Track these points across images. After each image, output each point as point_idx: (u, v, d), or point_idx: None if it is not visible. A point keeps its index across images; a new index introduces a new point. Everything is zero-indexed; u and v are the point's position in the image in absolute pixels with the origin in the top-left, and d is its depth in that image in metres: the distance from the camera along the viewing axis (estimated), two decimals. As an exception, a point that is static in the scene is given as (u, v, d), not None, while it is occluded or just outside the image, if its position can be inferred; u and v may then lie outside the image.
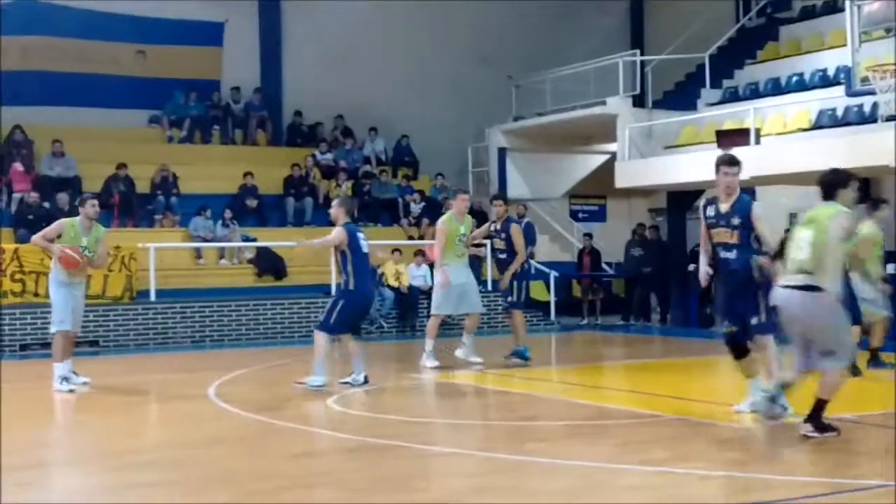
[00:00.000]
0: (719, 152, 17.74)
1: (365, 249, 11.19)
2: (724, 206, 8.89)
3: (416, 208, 21.95)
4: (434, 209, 21.86)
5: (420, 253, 19.64)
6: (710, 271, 9.11)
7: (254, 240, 19.56)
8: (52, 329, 11.64)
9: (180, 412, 10.36)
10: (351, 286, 11.11)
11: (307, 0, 23.32)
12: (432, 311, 13.31)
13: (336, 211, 11.38)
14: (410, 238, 21.15)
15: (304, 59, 23.42)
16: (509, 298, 13.54)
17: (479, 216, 20.09)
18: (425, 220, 21.56)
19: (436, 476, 7.33)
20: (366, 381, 11.20)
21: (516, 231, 13.34)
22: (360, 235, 11.24)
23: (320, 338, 11.11)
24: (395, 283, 18.96)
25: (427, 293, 19.07)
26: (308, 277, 18.90)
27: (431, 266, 19.32)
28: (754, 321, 8.87)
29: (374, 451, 8.07)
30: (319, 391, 10.78)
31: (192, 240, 19.23)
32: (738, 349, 9.05)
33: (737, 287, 8.90)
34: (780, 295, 8.12)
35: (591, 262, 21.91)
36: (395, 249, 19.40)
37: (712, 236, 8.96)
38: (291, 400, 10.79)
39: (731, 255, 8.85)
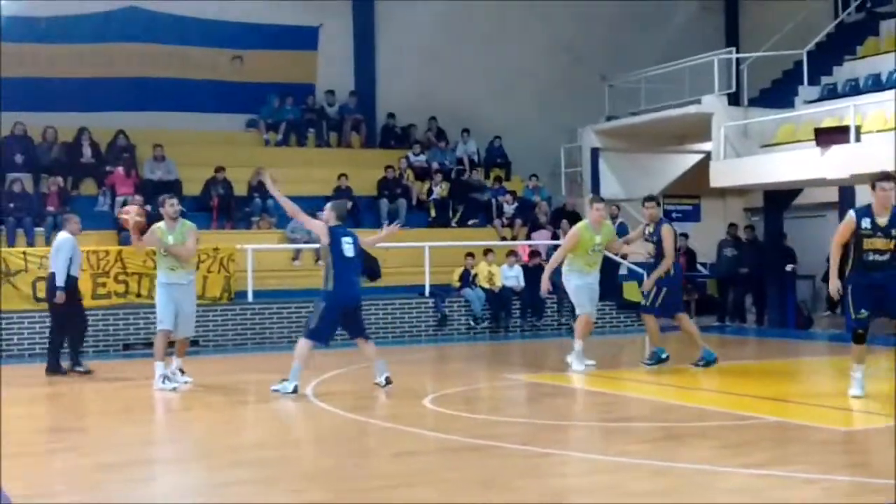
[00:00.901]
0: (818, 150, 17.57)
1: (348, 254, 11.14)
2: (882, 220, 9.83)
3: (508, 209, 21.95)
4: (526, 210, 21.85)
5: (512, 253, 19.66)
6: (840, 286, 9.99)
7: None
8: (157, 328, 12.03)
9: (279, 411, 10.52)
10: (330, 287, 11.10)
11: (400, 1, 23.51)
12: (577, 311, 13.21)
13: (328, 214, 11.48)
14: (503, 239, 21.17)
15: (397, 62, 23.64)
16: (643, 302, 13.20)
17: (572, 216, 20.06)
18: (518, 221, 21.55)
19: (534, 476, 7.34)
20: (388, 383, 11.21)
21: (667, 233, 12.86)
22: (345, 240, 11.20)
23: (303, 344, 11.14)
24: (487, 284, 19.01)
25: (519, 294, 19.13)
26: (403, 278, 19.06)
27: (524, 267, 19.38)
28: None
29: (472, 451, 8.11)
30: (288, 396, 10.84)
31: (288, 241, 19.50)
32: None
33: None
34: None
35: (686, 262, 21.68)
36: (488, 250, 19.46)
37: (865, 244, 9.82)
38: (388, 400, 10.89)
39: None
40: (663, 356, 13.04)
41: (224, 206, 19.97)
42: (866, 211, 9.96)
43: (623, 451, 8.02)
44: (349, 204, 14.92)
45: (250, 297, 17.53)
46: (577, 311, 13.20)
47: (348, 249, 11.18)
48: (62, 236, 13.66)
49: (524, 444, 8.30)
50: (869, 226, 9.88)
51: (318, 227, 11.36)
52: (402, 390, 11.27)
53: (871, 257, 9.91)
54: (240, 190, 20.51)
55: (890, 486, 6.74)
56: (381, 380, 11.29)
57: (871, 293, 10.01)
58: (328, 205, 11.85)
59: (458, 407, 10.48)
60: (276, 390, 11.03)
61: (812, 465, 7.41)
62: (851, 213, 10.12)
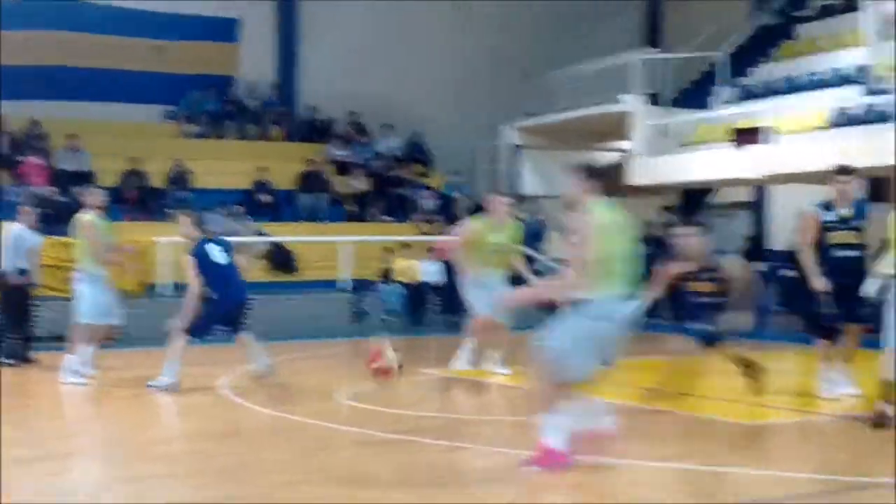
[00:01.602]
0: (734, 150, 17.84)
1: (217, 259, 11.13)
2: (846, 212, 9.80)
3: (429, 205, 21.95)
4: (447, 206, 21.87)
5: (432, 249, 19.67)
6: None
7: (267, 235, 19.58)
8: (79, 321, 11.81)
9: (194, 406, 10.39)
10: (214, 295, 11.10)
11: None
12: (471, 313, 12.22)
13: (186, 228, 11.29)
14: (423, 234, 21.16)
15: (320, 56, 23.49)
16: None
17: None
18: (438, 217, 21.56)
19: (449, 471, 7.33)
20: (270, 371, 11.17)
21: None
22: (209, 247, 11.14)
23: (178, 339, 11.02)
24: (405, 279, 18.98)
25: (437, 289, 19.13)
26: (319, 273, 18.94)
27: (442, 262, 19.39)
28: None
29: (386, 446, 8.08)
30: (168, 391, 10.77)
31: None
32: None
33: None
34: None
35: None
36: (406, 245, 19.46)
37: (830, 239, 9.73)
38: (303, 395, 10.81)
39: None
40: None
41: (140, 198, 19.67)
42: (827, 204, 9.91)
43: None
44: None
45: (165, 290, 17.28)
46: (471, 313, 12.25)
47: (218, 257, 11.15)
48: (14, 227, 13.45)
49: (439, 439, 8.30)
50: (834, 218, 9.83)
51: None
52: (317, 386, 11.20)
53: (837, 253, 9.81)
54: (157, 182, 20.22)
55: (793, 478, 6.86)
56: (262, 368, 11.21)
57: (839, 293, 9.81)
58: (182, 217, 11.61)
59: (374, 402, 10.43)
60: (152, 385, 10.87)
61: (717, 458, 7.50)
62: (813, 208, 10.04)
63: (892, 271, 8.68)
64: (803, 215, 10.16)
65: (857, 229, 9.84)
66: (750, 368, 9.99)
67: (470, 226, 12.13)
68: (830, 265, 9.74)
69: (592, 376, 7.04)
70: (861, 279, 9.50)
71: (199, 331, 11.09)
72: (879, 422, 8.46)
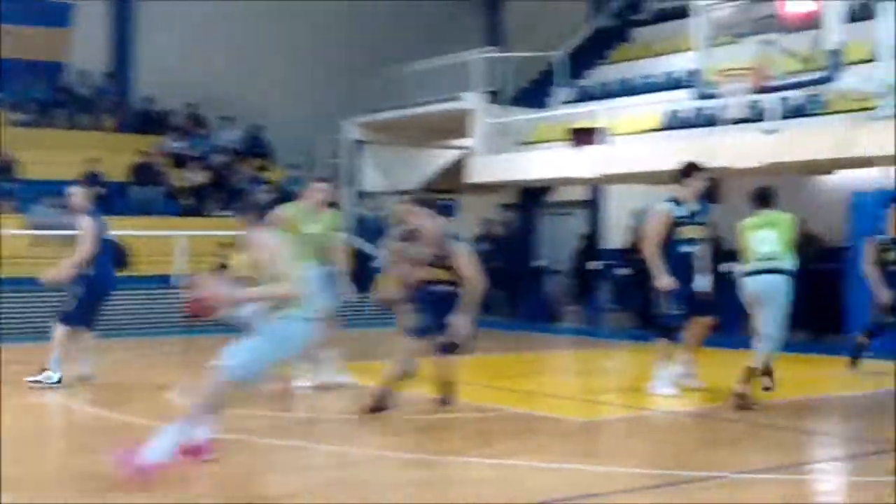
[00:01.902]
0: (571, 150, 18.14)
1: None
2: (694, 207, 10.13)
3: (268, 199, 21.60)
4: (287, 200, 21.55)
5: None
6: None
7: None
8: None
9: (17, 406, 9.92)
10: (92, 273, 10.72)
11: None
12: None
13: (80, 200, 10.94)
14: (262, 229, 20.82)
15: (157, 45, 22.82)
16: None
17: (332, 207, 19.91)
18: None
19: (282, 471, 7.18)
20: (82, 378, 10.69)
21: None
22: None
23: (60, 330, 10.65)
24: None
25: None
26: (151, 268, 18.39)
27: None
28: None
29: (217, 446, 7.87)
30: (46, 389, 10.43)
31: (30, 227, 18.51)
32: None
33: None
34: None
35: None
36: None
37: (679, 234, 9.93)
38: (134, 394, 10.47)
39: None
40: None
41: (-40, 189, 18.80)
42: (676, 200, 10.22)
43: (371, 444, 7.98)
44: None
45: (-8, 285, 16.55)
46: None
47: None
48: None
49: (273, 438, 8.14)
50: (686, 213, 10.15)
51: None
52: (149, 384, 10.87)
53: (684, 248, 10.08)
54: (-20, 171, 19.36)
55: (624, 473, 6.97)
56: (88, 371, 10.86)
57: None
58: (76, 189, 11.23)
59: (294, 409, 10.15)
60: (35, 381, 10.39)
61: (550, 455, 7.58)
62: (666, 205, 10.26)
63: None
64: (656, 212, 10.32)
65: (702, 224, 10.21)
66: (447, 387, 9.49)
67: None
68: (677, 260, 9.99)
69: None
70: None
71: (78, 318, 10.62)
72: (742, 404, 9.03)
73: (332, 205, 11.53)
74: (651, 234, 10.17)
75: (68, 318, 10.67)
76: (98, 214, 11.05)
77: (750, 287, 9.53)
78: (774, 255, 9.48)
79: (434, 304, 8.94)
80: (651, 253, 10.02)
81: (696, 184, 10.29)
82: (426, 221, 9.29)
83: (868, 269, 11.59)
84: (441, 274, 9.04)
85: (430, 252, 9.16)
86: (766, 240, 9.55)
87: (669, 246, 9.99)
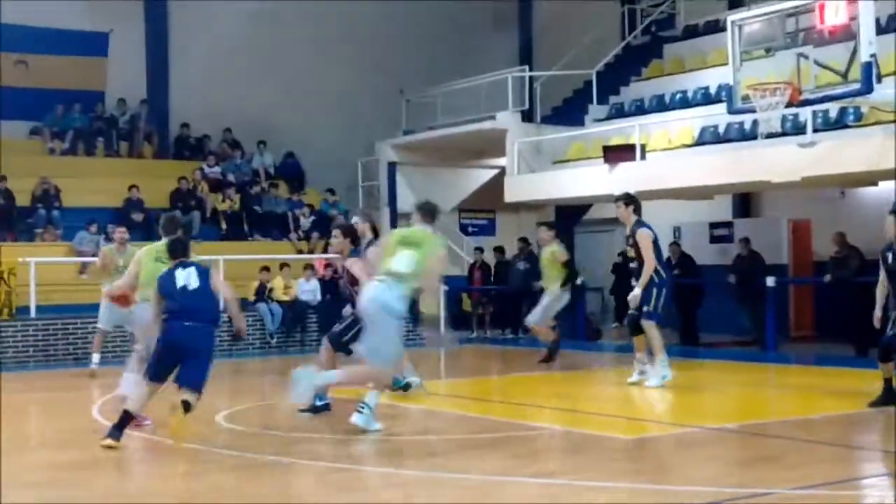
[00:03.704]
0: (606, 167, 18.17)
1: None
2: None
3: (305, 223, 21.80)
4: (323, 223, 21.74)
5: (309, 267, 19.50)
6: None
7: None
8: None
9: (63, 431, 10.06)
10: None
11: (195, 10, 23.00)
12: None
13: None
14: (300, 252, 20.99)
15: (192, 71, 23.11)
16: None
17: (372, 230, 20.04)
18: (314, 235, 21.42)
19: (328, 492, 7.25)
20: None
21: (643, 237, 11.94)
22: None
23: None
24: (283, 297, 18.78)
25: (315, 308, 18.97)
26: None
27: (321, 280, 19.25)
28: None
29: (265, 468, 7.96)
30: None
31: (75, 254, 18.75)
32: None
33: None
34: None
35: (482, 275, 22.02)
36: (284, 264, 19.22)
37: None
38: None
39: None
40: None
41: (5, 217, 19.07)
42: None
43: (416, 465, 8.04)
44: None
45: (33, 313, 16.75)
46: None
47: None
48: None
49: (317, 460, 8.21)
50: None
51: None
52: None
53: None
54: (22, 200, 19.63)
55: (670, 490, 6.98)
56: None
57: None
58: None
59: (252, 423, 10.28)
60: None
61: (598, 474, 7.60)
62: (649, 230, 12.12)
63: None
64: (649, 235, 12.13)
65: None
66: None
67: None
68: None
69: None
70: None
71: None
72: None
73: None
74: (652, 254, 12.13)
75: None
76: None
77: None
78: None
79: None
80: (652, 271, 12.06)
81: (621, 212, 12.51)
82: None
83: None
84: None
85: None
86: None
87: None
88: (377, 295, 9.00)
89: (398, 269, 9.06)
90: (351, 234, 10.72)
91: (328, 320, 18.77)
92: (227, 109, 23.26)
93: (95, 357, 14.54)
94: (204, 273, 9.21)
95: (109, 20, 22.42)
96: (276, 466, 7.98)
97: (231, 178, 22.40)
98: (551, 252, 15.21)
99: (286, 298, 18.76)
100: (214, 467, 8.23)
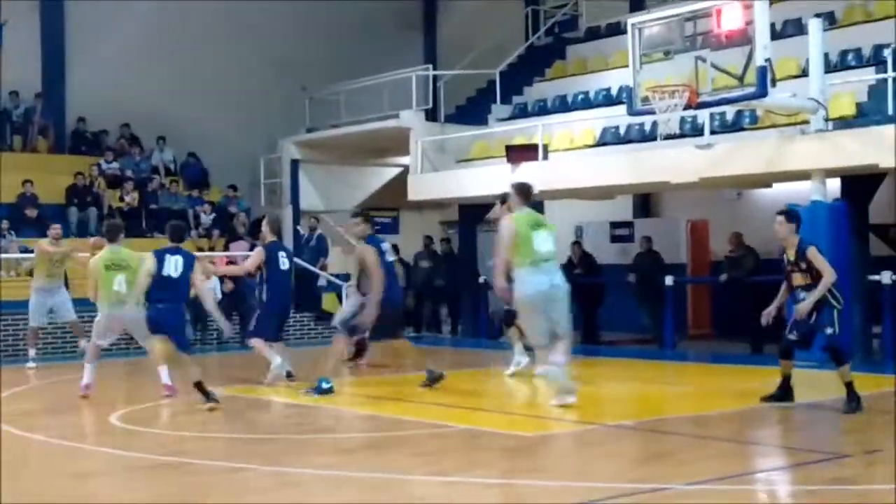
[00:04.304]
0: (509, 166, 18.25)
1: (284, 267, 12.61)
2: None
3: (206, 220, 21.49)
4: (224, 221, 21.48)
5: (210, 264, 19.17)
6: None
7: (32, 251, 18.66)
8: None
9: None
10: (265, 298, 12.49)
11: (93, 2, 22.47)
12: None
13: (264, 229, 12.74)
14: (200, 250, 20.65)
15: (89, 65, 22.53)
16: None
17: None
18: (216, 232, 21.13)
19: (223, 493, 7.14)
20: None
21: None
22: (282, 253, 12.65)
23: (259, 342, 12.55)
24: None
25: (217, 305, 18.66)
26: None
27: (221, 278, 18.98)
28: None
29: (158, 469, 7.81)
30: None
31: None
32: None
33: None
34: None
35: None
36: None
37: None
38: (72, 417, 10.34)
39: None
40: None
41: None
42: None
43: (315, 464, 7.96)
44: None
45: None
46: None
47: (283, 263, 12.54)
48: None
49: (214, 460, 8.09)
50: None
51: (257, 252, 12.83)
52: (88, 407, 10.75)
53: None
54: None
55: (572, 487, 7.03)
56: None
57: None
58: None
59: (148, 423, 10.10)
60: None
61: (496, 471, 7.62)
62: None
63: None
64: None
65: None
66: None
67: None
68: None
69: None
70: None
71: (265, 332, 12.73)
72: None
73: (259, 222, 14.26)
74: None
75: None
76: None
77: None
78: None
79: None
80: None
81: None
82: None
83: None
84: None
85: None
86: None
87: None
88: (559, 277, 9.88)
89: (551, 249, 9.91)
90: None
91: (229, 317, 18.61)
92: (127, 104, 22.79)
93: (32, 352, 15.49)
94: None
95: (3, 11, 21.76)
96: (170, 467, 7.84)
97: (129, 174, 21.96)
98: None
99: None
100: (106, 468, 8.07)
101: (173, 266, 10.82)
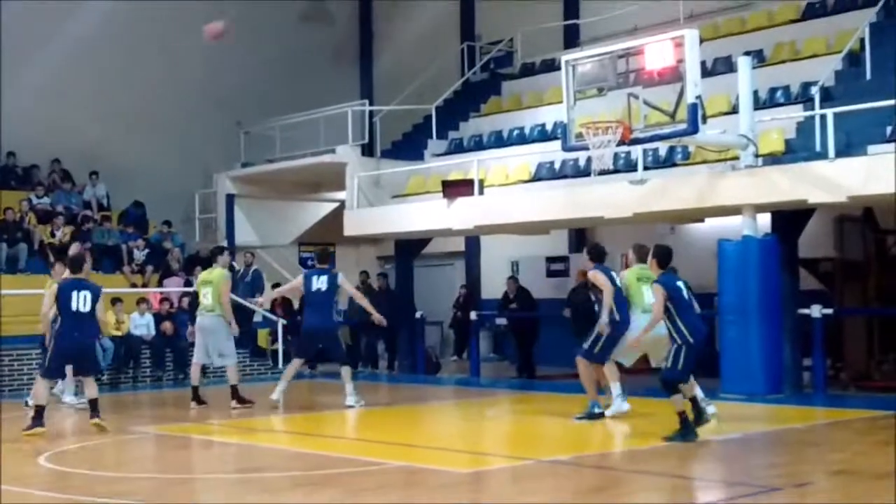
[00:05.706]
0: (445, 202, 18.30)
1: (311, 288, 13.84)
2: None
3: (139, 255, 21.24)
4: (158, 256, 21.24)
5: (143, 301, 18.97)
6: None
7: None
8: None
9: None
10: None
11: (24, 36, 22.16)
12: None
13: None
14: (133, 286, 20.41)
15: (19, 98, 22.13)
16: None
17: (206, 263, 19.67)
18: (149, 268, 20.89)
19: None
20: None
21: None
22: (313, 278, 14.02)
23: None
24: (116, 332, 18.17)
25: (149, 343, 18.47)
26: (20, 328, 17.82)
27: (155, 315, 18.77)
28: None
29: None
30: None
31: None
32: None
33: None
34: None
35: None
36: (117, 299, 18.61)
37: None
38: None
39: None
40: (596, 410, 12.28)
41: None
42: None
43: (247, 502, 7.86)
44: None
45: None
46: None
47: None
48: None
49: (143, 500, 7.95)
50: None
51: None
52: (14, 447, 10.52)
53: None
54: None
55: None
56: None
57: None
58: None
59: (78, 464, 9.89)
60: None
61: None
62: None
63: None
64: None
65: None
66: None
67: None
68: None
69: None
70: None
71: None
72: None
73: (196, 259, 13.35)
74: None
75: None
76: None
77: None
78: None
79: None
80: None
81: None
82: None
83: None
84: None
85: None
86: None
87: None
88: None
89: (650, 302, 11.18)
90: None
91: (162, 355, 18.40)
92: (58, 139, 22.47)
93: None
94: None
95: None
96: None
97: (60, 209, 21.65)
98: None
99: (118, 333, 18.17)
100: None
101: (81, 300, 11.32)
